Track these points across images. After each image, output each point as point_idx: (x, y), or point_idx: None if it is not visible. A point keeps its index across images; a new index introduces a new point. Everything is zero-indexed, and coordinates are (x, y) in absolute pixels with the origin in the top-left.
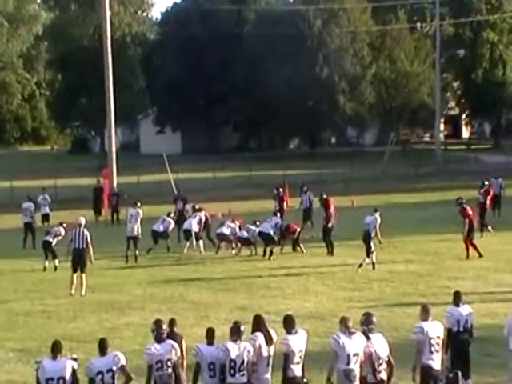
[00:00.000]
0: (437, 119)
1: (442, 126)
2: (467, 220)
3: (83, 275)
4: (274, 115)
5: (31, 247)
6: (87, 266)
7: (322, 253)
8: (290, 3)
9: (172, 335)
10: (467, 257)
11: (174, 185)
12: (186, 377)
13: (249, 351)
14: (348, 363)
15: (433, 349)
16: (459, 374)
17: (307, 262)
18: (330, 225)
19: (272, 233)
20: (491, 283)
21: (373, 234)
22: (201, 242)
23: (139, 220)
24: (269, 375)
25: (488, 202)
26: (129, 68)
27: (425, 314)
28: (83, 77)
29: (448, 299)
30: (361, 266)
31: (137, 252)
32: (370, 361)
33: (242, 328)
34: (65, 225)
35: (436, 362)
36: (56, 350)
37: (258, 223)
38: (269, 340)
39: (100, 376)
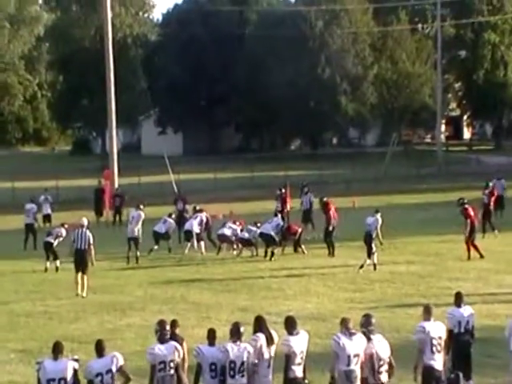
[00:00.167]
0: (438, 120)
1: (443, 127)
2: (469, 221)
3: (84, 276)
4: (276, 116)
5: (32, 248)
6: (88, 267)
7: (323, 254)
8: (291, 4)
9: (173, 336)
10: (468, 258)
11: (175, 185)
12: (187, 379)
13: (249, 352)
14: (349, 364)
15: (434, 349)
16: (461, 375)
17: (308, 263)
18: (330, 227)
19: (273, 234)
20: (492, 284)
21: (374, 235)
22: (202, 242)
23: (140, 222)
24: (270, 376)
25: (492, 204)
26: (130, 69)
27: (427, 314)
28: (85, 78)
29: (449, 300)
30: (362, 267)
31: (138, 253)
32: (371, 362)
33: (242, 329)
34: (66, 226)
35: (438, 362)
36: (57, 350)
37: (258, 224)
38: (270, 340)
39: (99, 377)
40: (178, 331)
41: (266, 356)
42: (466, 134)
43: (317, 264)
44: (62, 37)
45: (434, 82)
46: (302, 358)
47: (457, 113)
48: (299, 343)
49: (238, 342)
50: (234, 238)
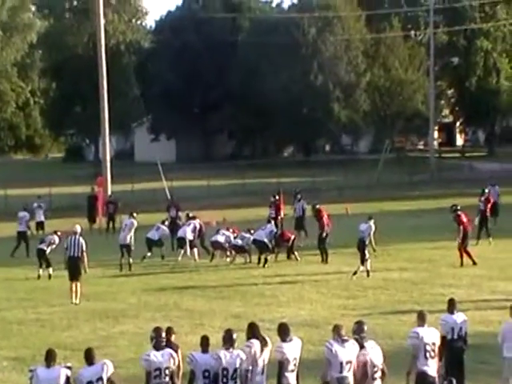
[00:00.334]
0: (431, 127)
1: (436, 134)
2: (461, 227)
3: (78, 283)
4: (269, 123)
5: (25, 256)
6: (81, 275)
7: (316, 261)
8: (284, 11)
9: (169, 344)
10: (461, 264)
11: (168, 192)
12: None
13: (241, 359)
14: (341, 371)
15: (428, 355)
16: (454, 381)
17: (302, 270)
18: (324, 234)
19: (266, 240)
20: (485, 291)
21: (367, 242)
22: (195, 249)
23: (133, 230)
24: (264, 383)
25: (488, 210)
26: (123, 76)
27: (421, 320)
28: (77, 85)
29: (442, 307)
30: (355, 273)
31: (130, 260)
32: (364, 369)
33: (235, 336)
34: (59, 233)
35: (431, 368)
36: (50, 358)
37: (252, 231)
38: (264, 343)
39: None
40: (173, 338)
41: (260, 363)
42: (459, 140)
43: (310, 271)
44: (54, 44)
45: (427, 88)
46: (295, 365)
47: (449, 119)
48: (292, 350)
49: (231, 349)
50: (227, 244)
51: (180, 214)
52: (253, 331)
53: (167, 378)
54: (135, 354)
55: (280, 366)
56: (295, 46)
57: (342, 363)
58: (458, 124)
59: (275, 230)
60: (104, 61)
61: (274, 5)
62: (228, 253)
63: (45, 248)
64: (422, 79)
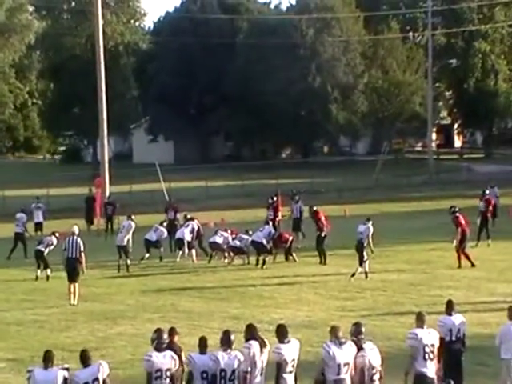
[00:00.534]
0: (429, 128)
1: (434, 136)
2: (460, 229)
3: (76, 285)
4: (267, 124)
5: (22, 257)
6: (80, 276)
7: (314, 262)
8: (282, 12)
9: (171, 345)
10: (459, 266)
11: (166, 194)
12: None
13: (239, 360)
14: (339, 373)
15: (427, 356)
16: (452, 383)
17: (300, 272)
18: (323, 234)
19: (264, 242)
20: (483, 293)
21: (365, 244)
22: (193, 251)
23: (131, 232)
24: None
25: (490, 211)
26: (121, 77)
27: (420, 321)
28: (76, 86)
29: (440, 308)
30: (353, 275)
31: (128, 261)
32: (362, 371)
33: (233, 337)
34: (57, 234)
35: (430, 369)
36: (48, 359)
37: (250, 232)
38: (263, 344)
39: None
40: (176, 339)
41: (259, 364)
42: (457, 142)
43: (308, 272)
44: (53, 45)
45: (425, 90)
46: (293, 366)
47: (448, 121)
48: (290, 351)
49: (229, 350)
50: (225, 246)
51: (178, 215)
52: (251, 332)
53: (168, 380)
54: (133, 355)
55: (278, 367)
56: (293, 47)
57: (339, 365)
58: (456, 126)
59: (273, 232)
60: (102, 62)
61: (272, 6)
62: (226, 254)
63: (43, 249)
64: (420, 81)
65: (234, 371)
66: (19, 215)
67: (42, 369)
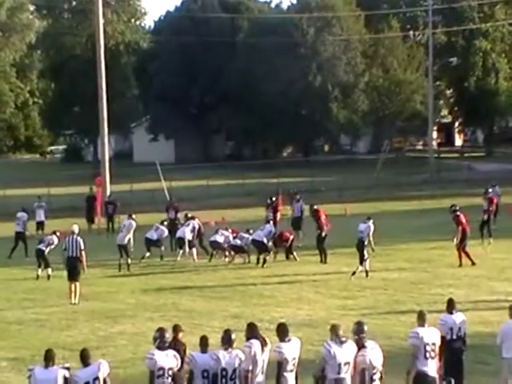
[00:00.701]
0: (430, 127)
1: (434, 134)
2: (460, 228)
3: (77, 283)
4: (268, 123)
5: (23, 256)
6: (80, 275)
7: (315, 261)
8: (283, 11)
9: (175, 342)
10: (460, 265)
11: (167, 193)
12: None
13: (240, 359)
14: (339, 372)
15: (428, 355)
16: (452, 381)
17: (300, 270)
18: (323, 234)
19: (265, 241)
20: (484, 291)
21: (366, 242)
22: (194, 250)
23: (131, 231)
24: (262, 383)
25: (492, 209)
26: (122, 76)
27: (421, 319)
28: (76, 85)
29: (441, 307)
30: (354, 273)
31: (129, 260)
32: (362, 370)
33: (233, 336)
34: (58, 233)
35: (431, 368)
36: (48, 358)
37: (251, 231)
38: (264, 343)
39: None
40: (180, 336)
41: (260, 363)
42: (458, 140)
43: (309, 271)
44: (53, 44)
45: (426, 89)
46: (294, 365)
47: (448, 120)
48: (291, 350)
49: (230, 349)
50: (226, 245)
51: (179, 215)
52: (252, 331)
53: (170, 379)
54: (133, 354)
55: (279, 366)
56: (294, 46)
57: (340, 364)
58: (456, 124)
59: (274, 231)
60: (103, 61)
61: (272, 5)
62: (227, 253)
63: (44, 248)
64: (421, 79)
65: (235, 370)
66: (20, 214)
67: (42, 368)
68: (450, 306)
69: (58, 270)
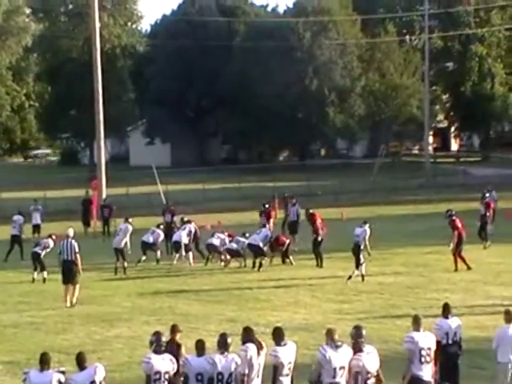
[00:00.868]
0: (426, 132)
1: (430, 139)
2: (456, 232)
3: (77, 286)
4: (264, 127)
5: (19, 259)
6: (77, 277)
7: (311, 265)
8: (279, 15)
9: (171, 343)
10: (456, 269)
11: (163, 196)
12: None
13: (236, 363)
14: (334, 376)
15: (423, 359)
16: None
17: (297, 274)
18: (319, 238)
19: (261, 245)
20: (480, 296)
21: (362, 246)
22: (190, 253)
23: (128, 235)
24: None
25: (489, 214)
26: (118, 80)
27: (416, 324)
28: (73, 88)
29: (437, 311)
30: (350, 278)
31: (125, 264)
32: (356, 374)
33: (229, 340)
34: (54, 237)
35: (426, 372)
36: (44, 362)
37: (247, 235)
38: (260, 347)
39: None
40: (178, 337)
41: (256, 367)
42: (454, 145)
43: (305, 275)
44: (50, 47)
45: (422, 93)
46: (289, 369)
47: (444, 124)
48: (287, 354)
49: (226, 353)
50: (222, 248)
51: (175, 218)
52: (248, 335)
53: (166, 383)
54: (129, 357)
55: (274, 370)
56: (290, 50)
57: (335, 369)
58: (452, 129)
59: (270, 235)
60: (99, 64)
61: (269, 9)
62: (222, 256)
63: (39, 251)
64: (417, 84)
65: (231, 374)
66: (16, 217)
67: (37, 371)
68: (446, 311)
69: (53, 273)
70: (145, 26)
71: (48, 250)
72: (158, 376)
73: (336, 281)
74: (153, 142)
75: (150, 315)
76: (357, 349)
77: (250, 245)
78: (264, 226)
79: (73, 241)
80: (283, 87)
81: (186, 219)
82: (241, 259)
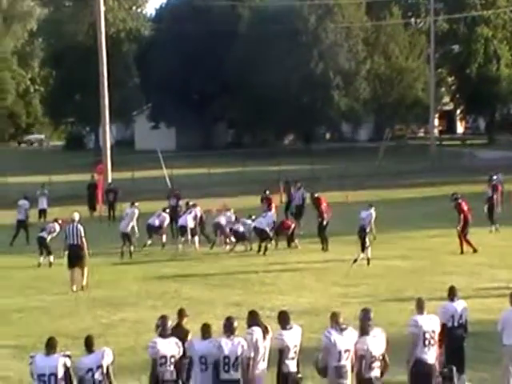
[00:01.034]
0: (431, 114)
1: (436, 122)
2: (462, 215)
3: (85, 270)
4: (269, 111)
5: (25, 244)
6: (85, 261)
7: (316, 249)
8: None
9: (179, 327)
10: (461, 252)
11: (168, 181)
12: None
13: (243, 346)
14: (339, 359)
15: (427, 342)
16: (454, 368)
17: (302, 258)
18: (324, 222)
19: (267, 229)
20: (486, 278)
21: (368, 230)
22: (196, 238)
23: (134, 219)
24: (265, 370)
25: (497, 197)
26: (123, 64)
27: (419, 307)
28: (78, 73)
29: (443, 294)
30: (355, 261)
31: (131, 248)
32: (361, 357)
33: (235, 324)
34: (60, 221)
35: (430, 355)
36: (50, 346)
37: (253, 217)
38: (266, 331)
39: (90, 373)
40: (185, 321)
41: (262, 350)
42: (459, 128)
43: (310, 259)
44: (54, 32)
45: (427, 76)
46: (295, 353)
47: (450, 107)
48: (292, 338)
49: (232, 337)
50: (227, 228)
51: (180, 202)
52: (253, 319)
53: (172, 367)
54: (135, 341)
55: (280, 353)
56: (295, 34)
57: (340, 352)
58: (458, 111)
59: (275, 219)
60: (104, 49)
61: None
62: (228, 240)
63: (45, 236)
64: (423, 67)
65: (237, 358)
66: (22, 202)
67: (43, 355)
68: (452, 294)
69: (60, 257)
70: (149, 10)
71: (54, 234)
72: (163, 360)
73: (341, 264)
74: (158, 127)
75: (156, 299)
76: (363, 332)
77: (255, 228)
78: (269, 208)
79: (79, 225)
80: (288, 71)
81: (191, 203)
82: (246, 243)
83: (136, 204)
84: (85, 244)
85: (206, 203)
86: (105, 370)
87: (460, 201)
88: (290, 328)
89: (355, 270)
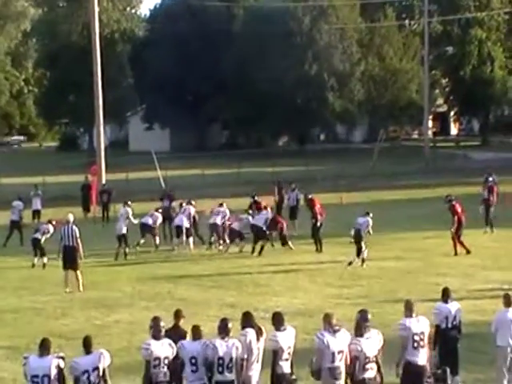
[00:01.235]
0: (425, 116)
1: (430, 123)
2: (456, 217)
3: (78, 272)
4: (263, 112)
5: (19, 245)
6: (79, 263)
7: (310, 250)
8: (279, 0)
9: (176, 329)
10: (455, 254)
11: (162, 182)
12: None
13: (237, 348)
14: (333, 361)
15: (416, 344)
16: (448, 370)
17: (296, 259)
18: (318, 223)
19: (264, 228)
20: (479, 280)
21: (363, 235)
22: (190, 239)
23: (130, 217)
24: (258, 371)
25: (493, 198)
26: (117, 65)
27: (408, 310)
28: (72, 73)
29: (436, 296)
30: (350, 263)
31: (127, 249)
32: (354, 358)
33: (230, 325)
34: (54, 222)
35: (420, 357)
36: (44, 347)
37: (250, 212)
38: (259, 332)
39: (86, 375)
40: (181, 322)
41: (255, 351)
42: (453, 129)
43: (304, 260)
44: (48, 32)
45: (421, 78)
46: (289, 354)
47: (444, 109)
48: (286, 339)
49: (227, 338)
50: (223, 224)
51: (173, 203)
52: (247, 320)
53: (165, 368)
54: (129, 342)
55: (274, 354)
56: (290, 35)
57: (333, 353)
58: (452, 113)
59: (269, 217)
60: (98, 49)
61: None
62: (221, 241)
63: (39, 237)
64: (417, 68)
65: (231, 359)
66: (16, 203)
67: (37, 356)
68: (445, 295)
69: (53, 259)
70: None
71: (48, 235)
72: (157, 362)
73: (335, 265)
74: (152, 128)
75: (150, 300)
76: (357, 333)
77: (253, 226)
78: (265, 207)
79: (74, 226)
80: (282, 72)
81: (187, 200)
82: (240, 244)
83: (129, 203)
84: (80, 245)
85: (200, 204)
86: (101, 373)
87: (454, 202)
88: (284, 329)
89: (349, 272)
